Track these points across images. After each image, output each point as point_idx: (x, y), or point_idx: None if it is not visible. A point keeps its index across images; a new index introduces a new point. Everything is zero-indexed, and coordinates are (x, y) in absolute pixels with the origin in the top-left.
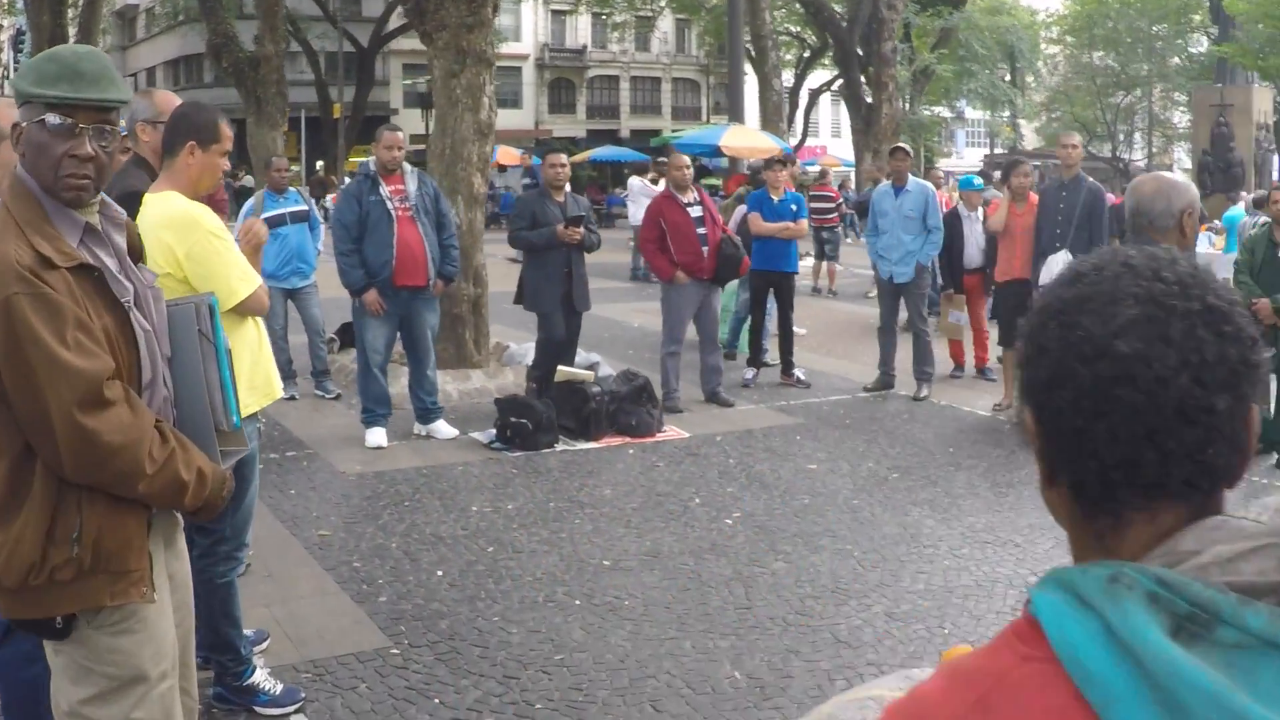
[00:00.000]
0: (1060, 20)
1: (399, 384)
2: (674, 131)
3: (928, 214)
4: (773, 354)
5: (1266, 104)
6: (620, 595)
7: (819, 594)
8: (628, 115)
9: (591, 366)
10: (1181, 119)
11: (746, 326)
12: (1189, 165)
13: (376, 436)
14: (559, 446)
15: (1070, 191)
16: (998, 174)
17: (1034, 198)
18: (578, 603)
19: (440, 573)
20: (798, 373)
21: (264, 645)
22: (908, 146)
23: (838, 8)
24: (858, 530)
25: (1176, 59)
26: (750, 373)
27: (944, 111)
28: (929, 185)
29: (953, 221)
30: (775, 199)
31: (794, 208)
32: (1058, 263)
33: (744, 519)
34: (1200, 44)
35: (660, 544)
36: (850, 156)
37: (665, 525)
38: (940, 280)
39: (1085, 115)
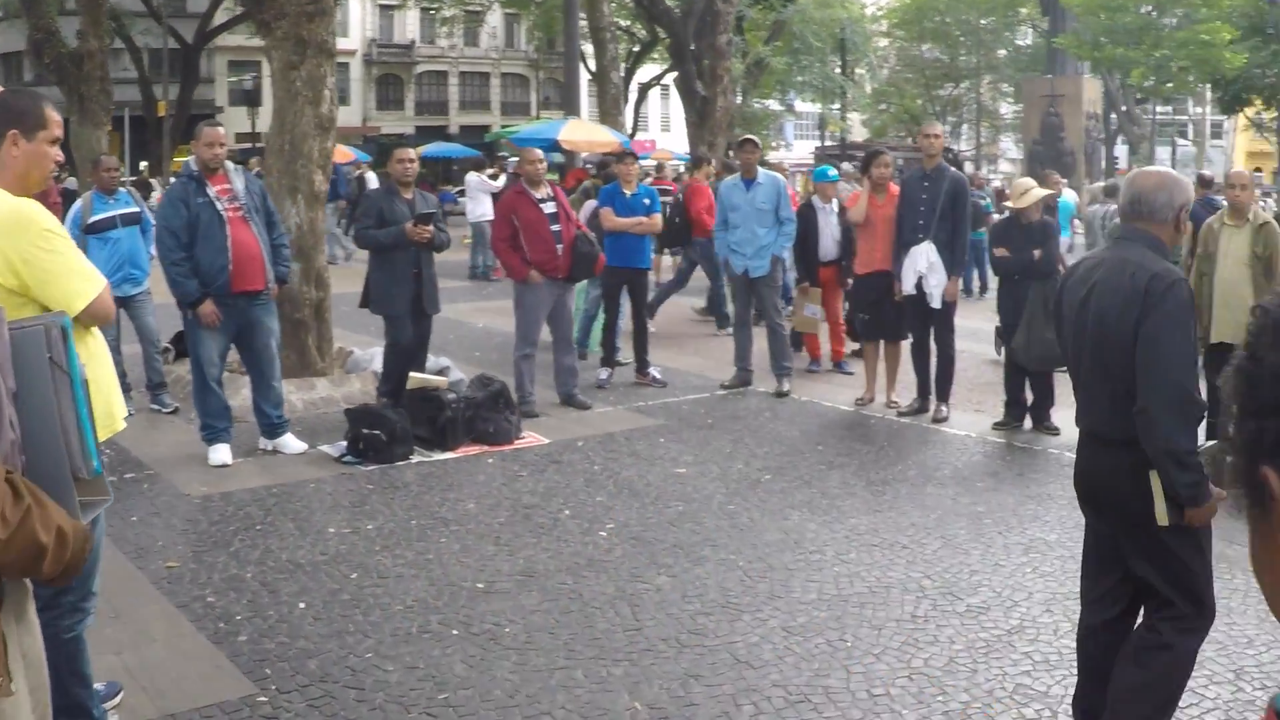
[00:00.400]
0: (891, 14)
1: (240, 395)
2: (504, 127)
3: (780, 206)
4: (625, 353)
5: (1095, 94)
6: (499, 622)
7: (709, 610)
8: (457, 111)
9: (442, 371)
10: (1008, 109)
11: (598, 325)
12: (1016, 155)
13: (220, 454)
14: (415, 458)
15: (933, 182)
16: (846, 165)
17: (894, 188)
18: (455, 632)
19: (303, 605)
20: (653, 371)
21: (117, 700)
22: (756, 139)
23: (670, 1)
24: (738, 538)
25: (1004, 51)
26: (605, 373)
27: (774, 104)
28: (780, 177)
29: (807, 214)
30: (628, 193)
31: (647, 202)
32: (921, 254)
33: (618, 530)
34: (1026, 36)
35: (534, 562)
36: (682, 150)
37: (537, 541)
38: (794, 273)
39: (914, 107)
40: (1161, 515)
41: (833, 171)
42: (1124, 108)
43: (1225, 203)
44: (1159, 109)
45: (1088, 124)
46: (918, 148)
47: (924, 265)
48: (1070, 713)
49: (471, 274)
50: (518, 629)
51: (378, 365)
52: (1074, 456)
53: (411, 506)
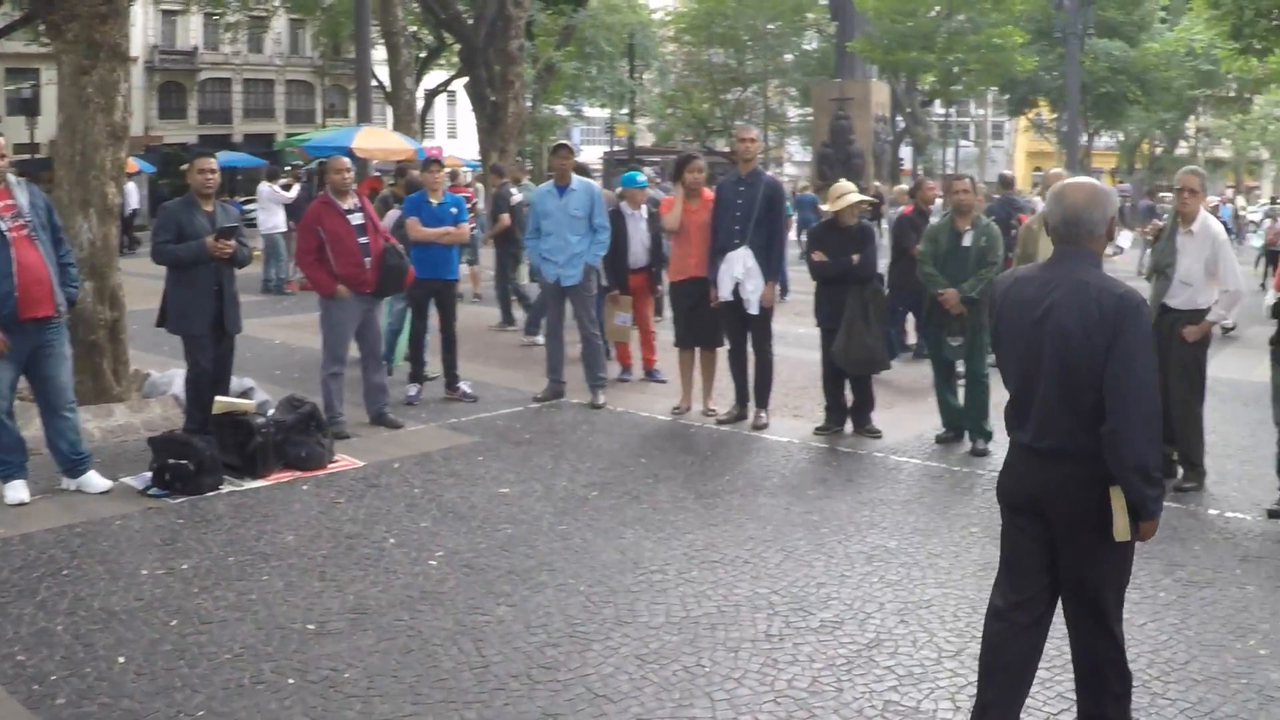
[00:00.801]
0: (679, 18)
1: (34, 425)
2: (289, 135)
3: (594, 213)
4: (431, 367)
5: (884, 97)
6: (337, 666)
7: (557, 640)
8: (241, 119)
9: (246, 393)
10: (795, 113)
11: (402, 339)
12: (803, 158)
13: (17, 491)
14: (225, 488)
15: (749, 186)
16: (649, 171)
17: (708, 193)
18: (291, 681)
19: (122, 659)
20: (463, 386)
21: None
22: (570, 144)
23: (461, 6)
24: (575, 560)
25: (790, 55)
26: (414, 389)
27: (561, 110)
28: (594, 184)
29: (616, 220)
30: (434, 202)
31: (454, 211)
32: (738, 260)
33: (449, 558)
34: (812, 41)
35: (365, 597)
36: (471, 156)
37: (364, 574)
38: (605, 281)
39: (702, 111)
40: (1123, 531)
41: (641, 177)
42: (910, 110)
43: (1026, 202)
44: (943, 111)
45: (876, 127)
46: (713, 151)
47: (741, 271)
48: None
49: (264, 288)
50: (358, 674)
51: (177, 388)
52: (913, 462)
53: (227, 542)
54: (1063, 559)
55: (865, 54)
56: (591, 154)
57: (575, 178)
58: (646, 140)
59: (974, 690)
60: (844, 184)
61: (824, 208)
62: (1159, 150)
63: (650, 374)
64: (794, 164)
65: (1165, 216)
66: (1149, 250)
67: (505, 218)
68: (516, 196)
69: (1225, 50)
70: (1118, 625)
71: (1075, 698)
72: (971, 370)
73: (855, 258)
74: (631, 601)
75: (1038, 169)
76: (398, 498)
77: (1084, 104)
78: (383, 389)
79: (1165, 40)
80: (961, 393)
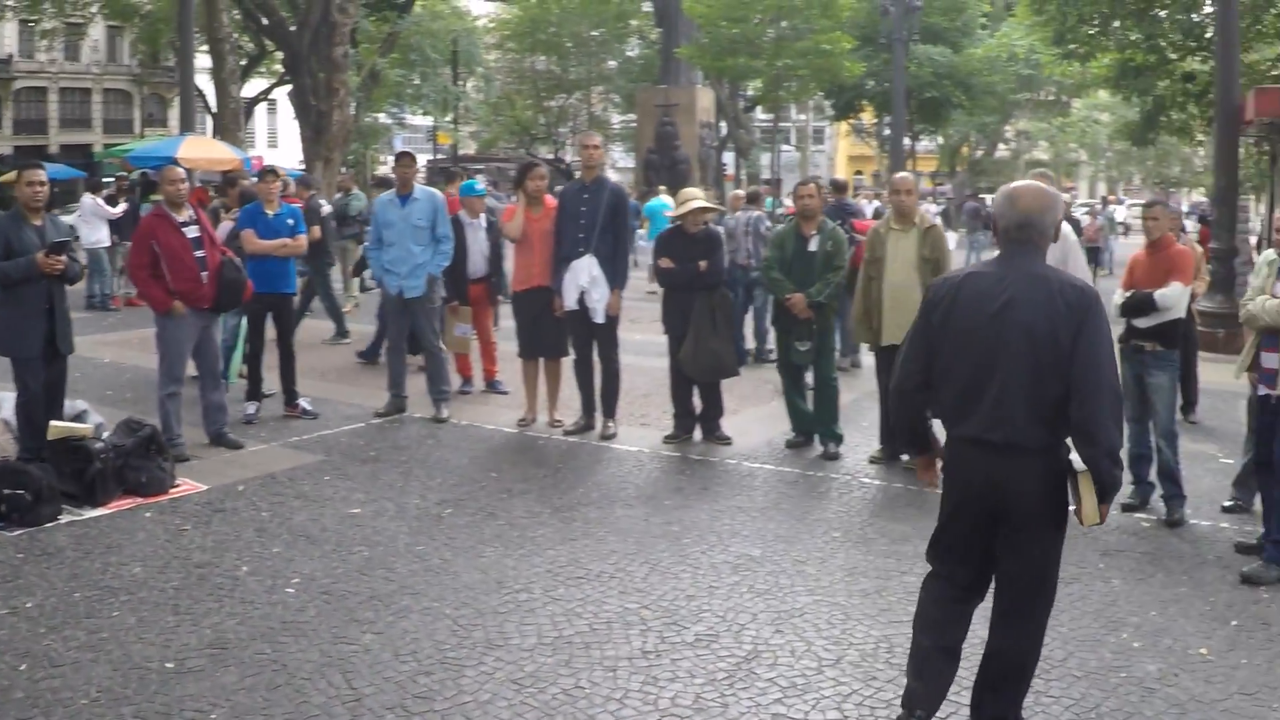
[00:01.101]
0: (503, 25)
1: None
2: (108, 145)
3: (437, 223)
4: (268, 383)
5: (709, 103)
6: (202, 707)
7: (428, 668)
8: (57, 129)
9: (79, 416)
10: (619, 120)
11: (237, 355)
12: (627, 164)
13: None
14: (64, 518)
15: (593, 194)
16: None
17: (550, 201)
18: None
19: None
20: (302, 402)
21: None
22: (412, 152)
23: (284, 13)
24: (436, 583)
25: (614, 62)
26: (252, 407)
27: (383, 118)
28: (437, 193)
29: (455, 230)
30: (270, 213)
31: (291, 222)
32: (583, 269)
33: (306, 585)
34: (635, 47)
35: (223, 631)
36: (292, 166)
37: (220, 605)
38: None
39: (525, 118)
40: (1091, 515)
41: (480, 185)
42: (733, 115)
43: (859, 207)
44: (765, 117)
45: (702, 132)
46: (536, 158)
47: (586, 280)
48: None
49: (89, 304)
50: (224, 714)
51: (7, 413)
52: (767, 468)
53: (71, 576)
54: (1006, 551)
55: (694, 60)
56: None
57: (418, 186)
58: (470, 148)
59: (859, 698)
60: (689, 190)
61: (668, 215)
62: (979, 153)
63: (491, 385)
64: (616, 170)
65: None
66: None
67: (316, 230)
68: (326, 208)
69: (1048, 55)
70: (1046, 618)
71: (973, 701)
72: (820, 374)
73: (702, 264)
74: (500, 623)
75: (858, 172)
76: (246, 522)
77: (909, 108)
78: (222, 408)
79: (987, 46)
80: (811, 397)
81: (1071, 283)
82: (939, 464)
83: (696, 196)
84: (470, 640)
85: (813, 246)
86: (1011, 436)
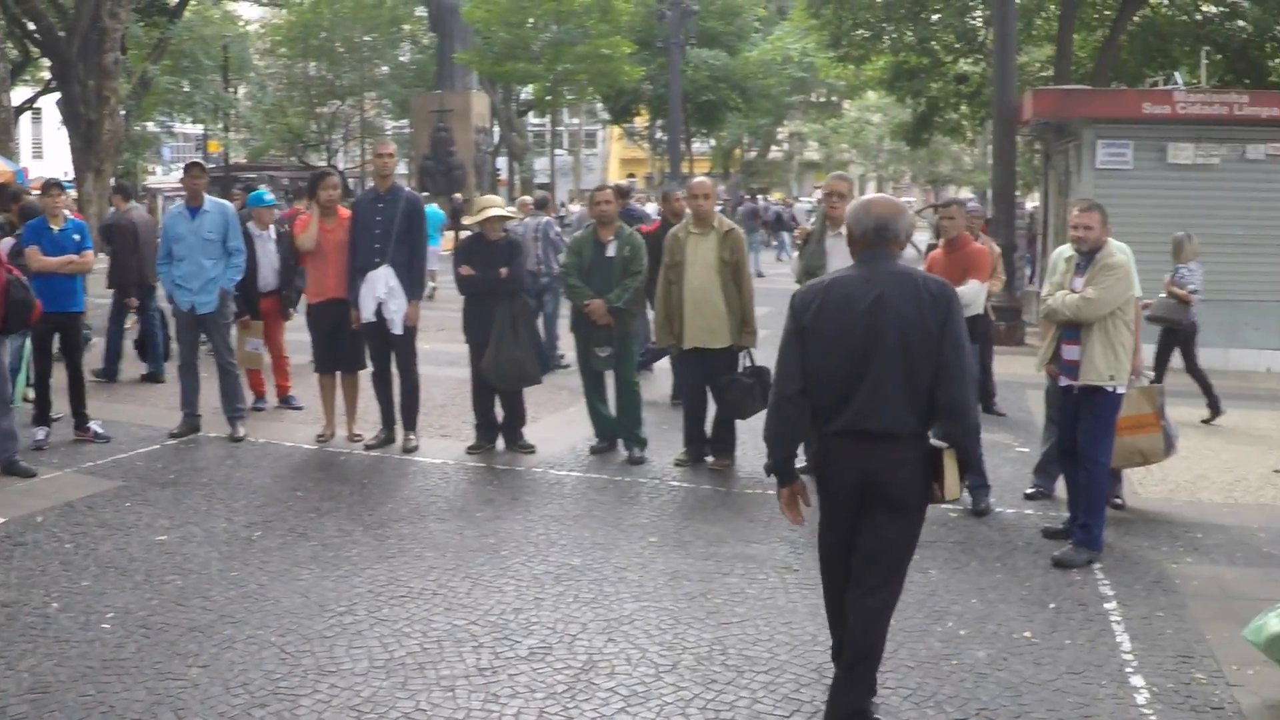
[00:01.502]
0: (274, 30)
1: None
2: None
3: (229, 236)
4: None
5: (484, 108)
6: None
7: (262, 700)
8: None
9: None
10: (391, 125)
11: (21, 378)
12: (401, 171)
13: None
14: None
15: (388, 203)
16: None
17: (344, 212)
18: None
19: None
20: (93, 426)
21: None
22: (202, 163)
23: (52, 18)
24: (256, 609)
25: (386, 67)
26: (41, 432)
27: (152, 126)
28: (229, 205)
29: (245, 242)
30: (55, 229)
31: (77, 238)
32: (379, 279)
33: (122, 620)
34: (407, 53)
35: (41, 674)
36: (62, 177)
37: (34, 646)
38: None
39: (297, 126)
40: (953, 490)
41: (269, 195)
42: (507, 120)
43: (644, 212)
44: (537, 121)
45: (477, 138)
46: (309, 167)
47: (383, 290)
48: None
49: None
50: None
51: None
52: (574, 475)
53: None
54: (870, 533)
55: (473, 65)
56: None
57: (208, 198)
58: (242, 156)
59: (701, 701)
60: (489, 198)
61: (467, 221)
62: (752, 154)
63: (285, 401)
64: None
65: (814, 220)
66: (797, 254)
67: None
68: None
69: (823, 58)
70: (896, 600)
71: (833, 693)
72: (622, 379)
73: (503, 271)
74: (329, 647)
75: (630, 175)
76: (50, 555)
77: (686, 111)
78: (12, 435)
79: (762, 49)
80: (613, 402)
81: (933, 279)
82: (799, 500)
83: (496, 204)
84: (301, 668)
85: (610, 252)
86: (887, 425)
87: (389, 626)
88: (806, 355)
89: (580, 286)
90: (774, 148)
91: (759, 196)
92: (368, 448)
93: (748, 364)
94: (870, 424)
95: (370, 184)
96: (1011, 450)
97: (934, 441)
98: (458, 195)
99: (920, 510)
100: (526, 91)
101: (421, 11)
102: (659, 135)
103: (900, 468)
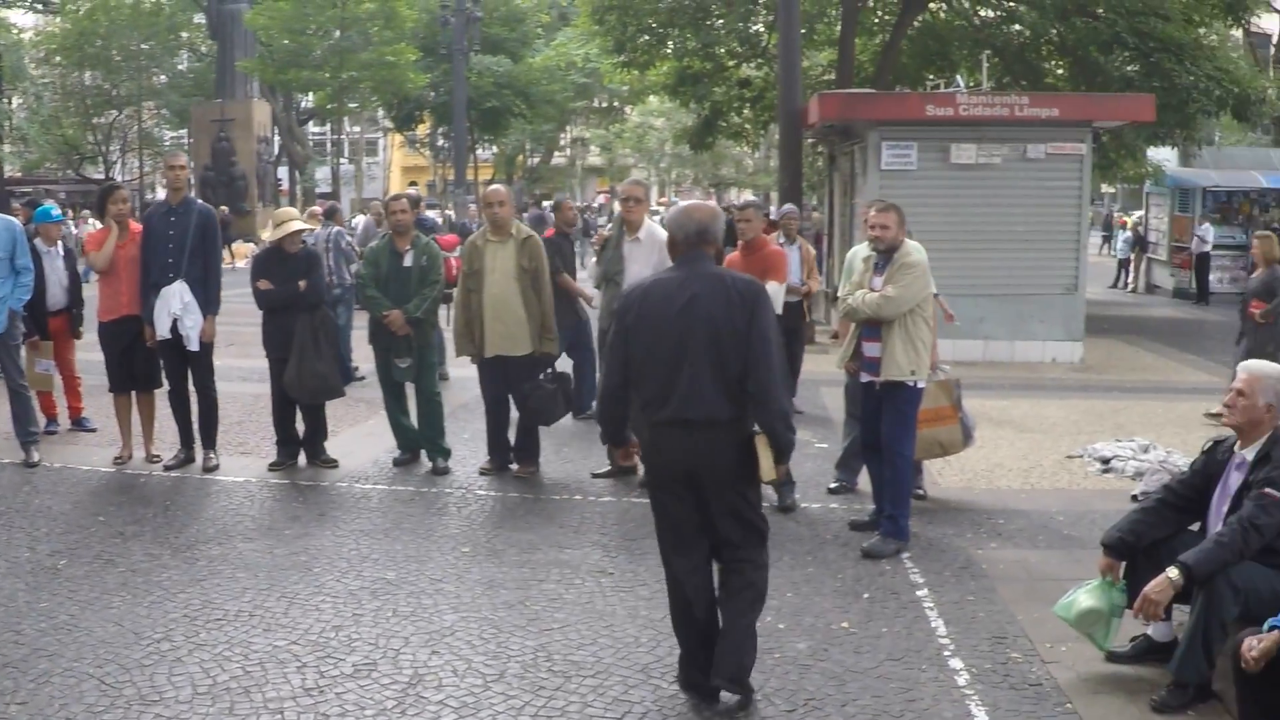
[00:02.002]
0: (49, 39)
1: None
2: None
3: (16, 253)
4: None
5: (265, 117)
6: None
7: None
8: None
9: None
10: (170, 135)
11: None
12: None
13: None
14: None
15: (180, 217)
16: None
17: (135, 226)
18: None
19: None
20: None
21: None
22: None
23: None
24: (70, 641)
25: (165, 77)
26: None
27: None
28: (15, 221)
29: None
30: None
31: None
32: (174, 295)
33: None
34: (184, 61)
35: None
36: None
37: None
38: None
39: (73, 137)
40: (769, 471)
41: (56, 210)
42: (288, 128)
43: (434, 223)
44: (317, 129)
45: (259, 147)
46: (86, 179)
47: (178, 306)
48: None
49: None
50: None
51: None
52: (380, 489)
53: None
54: (720, 515)
55: (257, 73)
56: None
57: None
58: (16, 170)
59: (532, 709)
60: (285, 210)
61: (264, 235)
62: (535, 160)
63: (78, 423)
64: (164, 187)
65: (609, 226)
66: (595, 260)
67: None
68: None
69: (608, 64)
70: (767, 557)
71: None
72: (423, 390)
73: (302, 284)
74: (150, 676)
75: (413, 183)
76: None
77: (470, 118)
78: None
79: (546, 55)
80: (414, 413)
81: (741, 278)
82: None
83: (294, 217)
84: (123, 698)
85: (408, 262)
86: (707, 413)
87: (209, 651)
88: (630, 353)
89: (378, 297)
90: (557, 154)
91: (544, 203)
92: (167, 468)
93: (549, 370)
94: (692, 413)
95: (150, 196)
96: (811, 446)
97: (753, 428)
98: (224, 207)
99: (750, 485)
100: (308, 100)
101: (200, 19)
102: (441, 143)
103: (724, 451)
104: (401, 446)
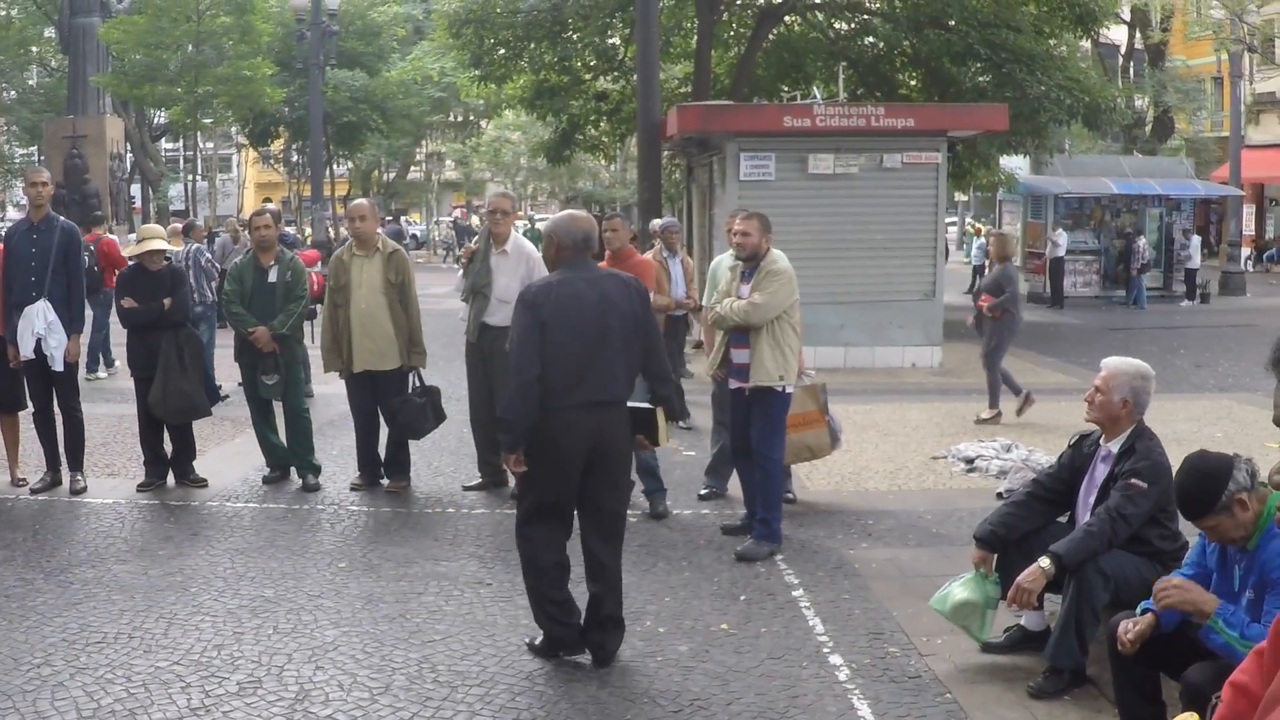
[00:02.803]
0: None
1: None
2: None
3: None
4: None
5: (118, 133)
6: None
7: None
8: None
9: None
10: (21, 153)
11: None
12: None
13: None
14: None
15: (43, 234)
16: None
17: None
18: None
19: None
20: None
21: None
22: None
23: None
24: None
25: (14, 92)
26: None
27: None
28: None
29: None
30: None
31: None
32: (37, 314)
33: None
34: (35, 76)
35: None
36: None
37: None
38: None
39: None
40: (664, 437)
41: None
42: (141, 145)
43: (295, 238)
44: (170, 145)
45: (112, 164)
46: None
47: (42, 326)
48: None
49: None
50: None
51: None
52: (251, 507)
53: None
54: (603, 488)
55: (111, 88)
56: None
57: None
58: None
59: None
60: (149, 227)
61: (126, 253)
62: (391, 175)
63: None
64: (19, 208)
65: (477, 240)
66: (461, 273)
67: None
68: None
69: (464, 77)
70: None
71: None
72: (291, 406)
73: (167, 302)
74: (33, 702)
75: (267, 199)
76: None
77: (326, 133)
78: None
79: (402, 69)
80: (283, 430)
81: (631, 278)
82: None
83: (159, 235)
84: None
85: (272, 278)
86: (615, 394)
87: (90, 675)
88: (545, 344)
89: (244, 314)
90: (413, 168)
91: (401, 218)
92: (34, 491)
93: (417, 384)
94: (603, 395)
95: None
96: (679, 454)
97: (631, 404)
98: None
99: (626, 462)
100: (161, 115)
101: (51, 33)
102: (295, 159)
103: (620, 427)
104: (271, 464)
